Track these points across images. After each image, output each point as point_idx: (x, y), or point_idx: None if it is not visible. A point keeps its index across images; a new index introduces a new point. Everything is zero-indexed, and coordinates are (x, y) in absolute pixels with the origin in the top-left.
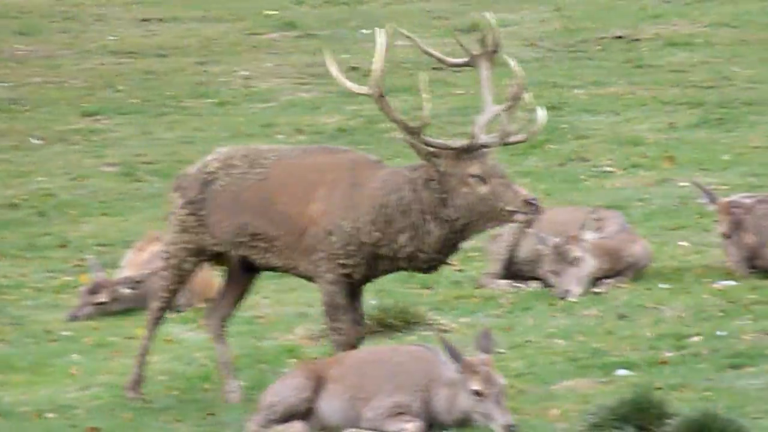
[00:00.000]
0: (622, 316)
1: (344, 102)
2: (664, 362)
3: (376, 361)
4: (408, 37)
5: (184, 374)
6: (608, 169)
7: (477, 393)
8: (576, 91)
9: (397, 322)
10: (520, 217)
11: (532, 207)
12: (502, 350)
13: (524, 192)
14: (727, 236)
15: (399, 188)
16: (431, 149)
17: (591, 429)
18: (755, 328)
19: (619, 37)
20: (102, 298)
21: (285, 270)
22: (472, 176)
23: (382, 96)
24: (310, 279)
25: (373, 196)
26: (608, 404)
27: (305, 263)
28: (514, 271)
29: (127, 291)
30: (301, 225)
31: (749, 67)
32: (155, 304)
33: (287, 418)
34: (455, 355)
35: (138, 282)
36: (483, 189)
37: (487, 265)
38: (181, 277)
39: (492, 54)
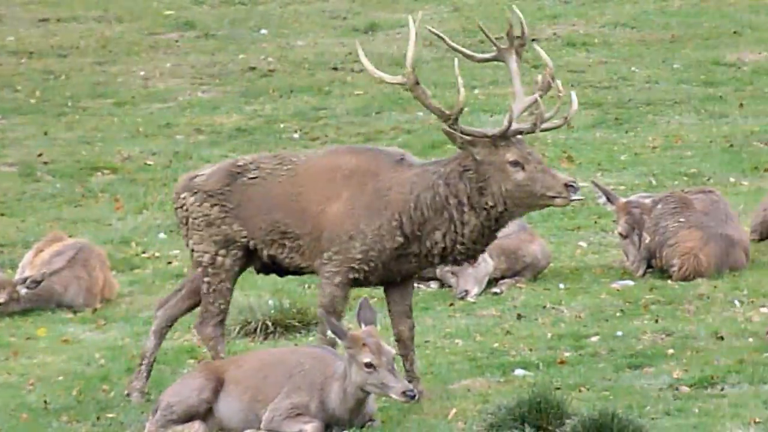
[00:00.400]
0: (520, 316)
1: (243, 102)
2: (562, 362)
3: (275, 363)
4: (436, 34)
5: (83, 374)
6: None
7: (369, 365)
8: (475, 91)
9: (295, 323)
10: (559, 201)
11: (572, 190)
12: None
13: (563, 176)
14: (624, 236)
15: (431, 186)
16: (468, 137)
17: (489, 428)
18: (654, 328)
19: (518, 37)
20: (0, 298)
21: (310, 271)
22: (510, 163)
23: (417, 84)
24: None
25: (400, 200)
26: (506, 404)
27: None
28: None
29: (26, 291)
30: (320, 224)
31: (647, 68)
32: (217, 308)
33: (186, 418)
34: (339, 332)
35: (37, 282)
36: (521, 175)
37: None
38: (219, 275)
39: (520, 47)
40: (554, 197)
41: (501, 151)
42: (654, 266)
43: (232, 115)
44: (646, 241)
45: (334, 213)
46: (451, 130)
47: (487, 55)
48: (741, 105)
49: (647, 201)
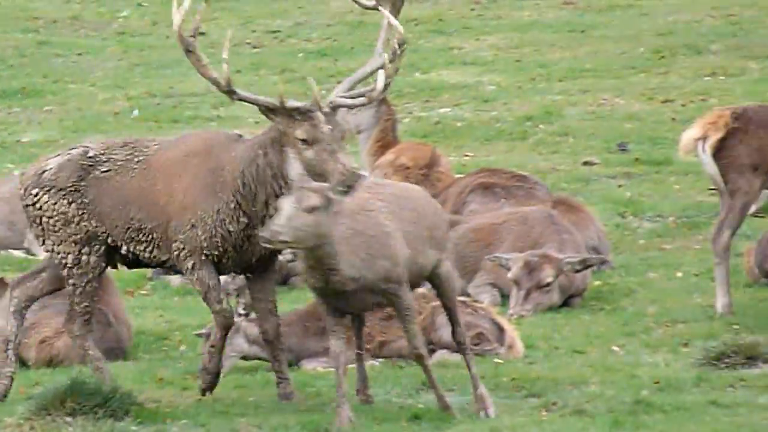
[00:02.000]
0: None
1: None
2: None
3: None
4: None
5: None
6: None
7: None
8: None
9: None
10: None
11: (355, 178)
12: None
13: (347, 163)
14: None
15: (254, 159)
16: (270, 107)
17: None
18: None
19: None
20: None
21: (171, 265)
22: (300, 140)
23: (190, 51)
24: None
25: (231, 180)
26: None
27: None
28: None
29: None
30: (168, 215)
31: None
32: (78, 320)
33: None
34: None
35: None
36: (308, 153)
37: None
38: (85, 275)
39: None
40: (334, 182)
41: (295, 125)
42: None
43: None
44: None
45: (178, 203)
46: (229, 96)
47: (369, 3)
48: None
49: None
